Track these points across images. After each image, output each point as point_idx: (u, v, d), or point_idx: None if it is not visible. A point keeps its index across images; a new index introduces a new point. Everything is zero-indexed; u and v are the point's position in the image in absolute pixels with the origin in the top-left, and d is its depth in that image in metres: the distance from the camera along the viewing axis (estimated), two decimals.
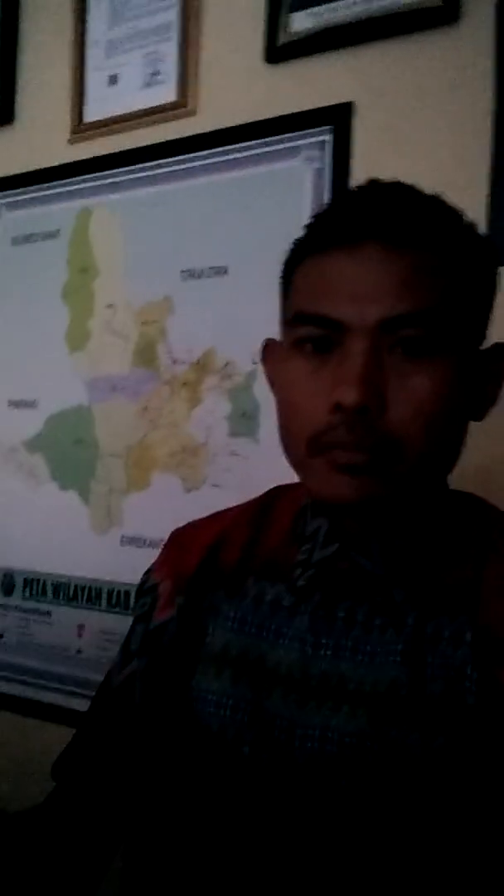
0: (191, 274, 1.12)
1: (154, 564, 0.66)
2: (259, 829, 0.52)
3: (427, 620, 0.51)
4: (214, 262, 1.10)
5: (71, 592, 1.21)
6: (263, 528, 0.60)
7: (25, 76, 1.29)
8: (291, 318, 0.52)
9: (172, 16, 1.12)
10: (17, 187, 1.28)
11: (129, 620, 1.12)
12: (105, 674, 0.66)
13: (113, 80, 1.18)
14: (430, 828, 0.47)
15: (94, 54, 1.20)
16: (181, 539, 0.65)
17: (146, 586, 0.65)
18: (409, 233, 0.48)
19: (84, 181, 1.21)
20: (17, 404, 1.28)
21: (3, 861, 0.56)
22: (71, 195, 1.23)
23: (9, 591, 1.27)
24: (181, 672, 0.57)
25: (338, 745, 0.49)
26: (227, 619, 0.57)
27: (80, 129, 1.21)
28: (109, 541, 1.17)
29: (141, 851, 0.58)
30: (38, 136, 1.27)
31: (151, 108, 1.14)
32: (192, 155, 1.11)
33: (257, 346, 0.61)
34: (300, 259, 0.53)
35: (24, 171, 1.27)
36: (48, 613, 1.23)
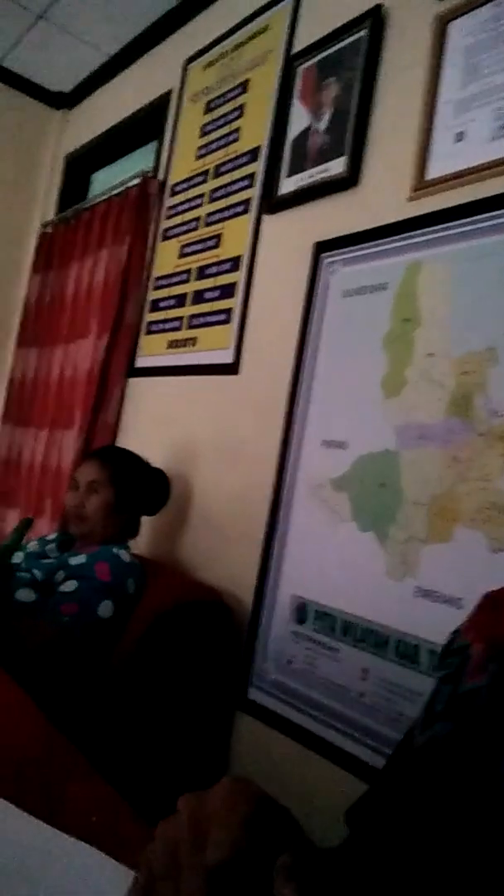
0: None
1: (464, 625, 0.63)
2: None
3: None
4: None
5: (359, 634, 1.21)
6: None
7: (373, 144, 1.39)
8: None
9: None
10: (356, 244, 1.38)
11: (415, 675, 1.09)
12: (405, 731, 0.64)
13: (459, 136, 1.21)
14: None
15: (442, 114, 1.24)
16: (498, 603, 0.61)
17: (454, 646, 0.62)
18: None
19: (418, 236, 1.25)
20: (329, 444, 1.35)
21: None
22: (404, 250, 1.27)
23: (301, 620, 1.33)
24: (490, 749, 0.53)
25: None
26: None
27: (421, 186, 1.25)
28: (403, 589, 1.15)
29: None
30: (380, 197, 1.36)
31: (496, 160, 1.13)
32: None
33: None
34: None
35: (363, 229, 1.36)
36: (335, 650, 1.25)
